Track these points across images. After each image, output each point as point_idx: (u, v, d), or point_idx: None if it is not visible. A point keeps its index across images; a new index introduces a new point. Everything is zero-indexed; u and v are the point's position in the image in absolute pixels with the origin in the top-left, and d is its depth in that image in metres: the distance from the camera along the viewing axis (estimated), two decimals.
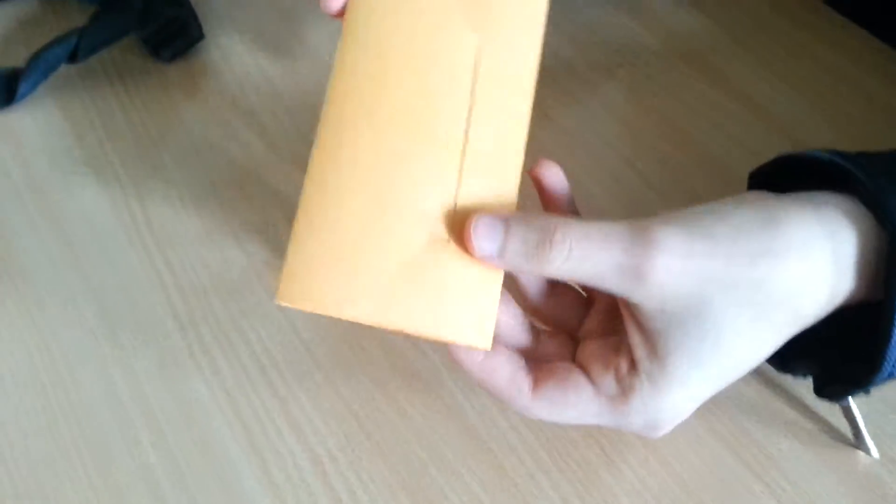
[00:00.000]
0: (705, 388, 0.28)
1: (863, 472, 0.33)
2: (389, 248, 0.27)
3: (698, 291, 0.26)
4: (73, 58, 0.44)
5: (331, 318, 0.27)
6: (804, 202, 0.28)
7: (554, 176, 0.31)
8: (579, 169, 0.42)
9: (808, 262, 0.27)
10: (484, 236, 0.27)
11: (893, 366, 0.27)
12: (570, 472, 0.32)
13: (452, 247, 0.27)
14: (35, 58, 0.44)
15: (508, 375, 0.29)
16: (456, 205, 0.28)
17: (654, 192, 0.42)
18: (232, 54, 0.48)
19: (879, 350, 0.27)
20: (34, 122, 0.44)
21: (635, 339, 0.28)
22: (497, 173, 0.29)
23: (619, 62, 0.47)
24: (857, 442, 0.34)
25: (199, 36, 0.47)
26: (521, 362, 0.29)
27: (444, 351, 0.35)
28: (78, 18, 0.48)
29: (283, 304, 0.27)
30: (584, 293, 0.32)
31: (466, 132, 0.29)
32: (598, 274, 0.26)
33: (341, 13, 0.30)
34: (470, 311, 0.27)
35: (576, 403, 0.28)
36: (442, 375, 0.35)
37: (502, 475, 0.32)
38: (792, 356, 0.30)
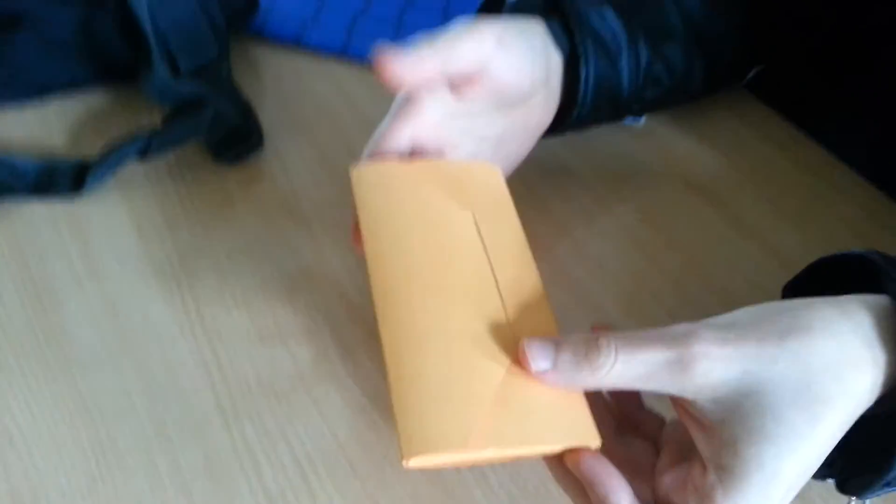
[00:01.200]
0: (782, 467, 0.29)
1: None
2: (478, 387, 0.30)
3: (742, 373, 0.28)
4: (143, 155, 0.47)
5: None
6: (825, 298, 0.31)
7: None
8: (591, 280, 0.45)
9: (837, 338, 0.29)
10: (538, 356, 0.30)
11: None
12: None
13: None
14: (107, 153, 0.47)
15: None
16: (514, 336, 0.31)
17: (665, 312, 0.44)
18: (288, 162, 0.51)
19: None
20: (99, 212, 0.47)
21: (700, 439, 0.29)
22: (531, 305, 0.33)
23: (629, 184, 0.51)
24: None
25: (259, 143, 0.50)
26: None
27: (475, 469, 0.37)
28: (146, 114, 0.51)
29: (412, 461, 0.29)
30: (654, 443, 0.34)
31: (496, 280, 0.34)
32: (647, 373, 0.29)
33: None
34: (567, 416, 0.30)
35: None
36: (474, 495, 0.37)
37: None
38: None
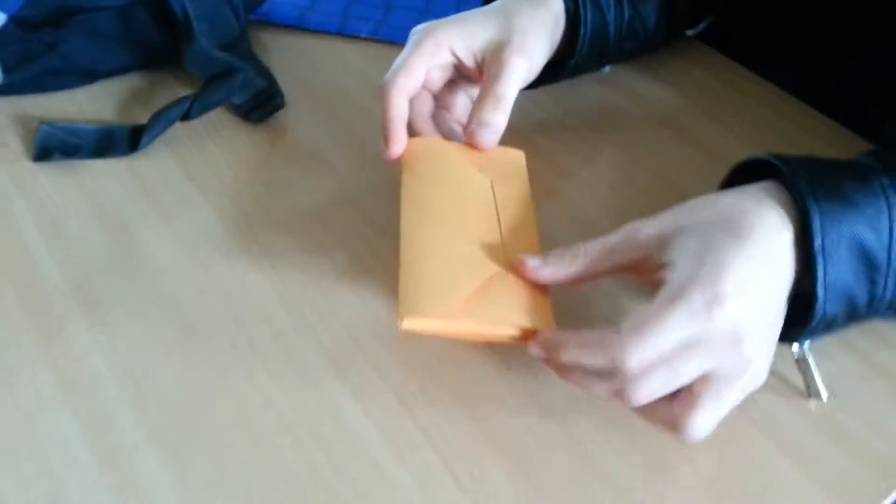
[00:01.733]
0: (722, 274, 0.37)
1: (817, 413, 0.44)
2: (466, 279, 0.42)
3: (675, 222, 0.40)
4: (185, 117, 0.56)
5: None
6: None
7: None
8: (584, 200, 0.55)
9: (746, 194, 0.41)
10: (532, 258, 0.42)
11: (825, 305, 0.40)
12: None
13: (510, 278, 0.42)
14: (157, 115, 0.56)
15: (595, 333, 0.38)
16: (506, 259, 0.43)
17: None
18: (306, 119, 0.60)
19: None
20: (152, 165, 0.56)
21: (656, 285, 0.39)
22: (525, 245, 0.45)
23: (609, 125, 0.61)
24: (809, 390, 0.45)
25: (282, 103, 0.60)
26: None
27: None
28: (180, 91, 0.60)
29: (405, 322, 0.40)
30: None
31: (500, 226, 0.45)
32: (608, 250, 0.41)
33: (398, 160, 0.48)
34: (532, 309, 0.41)
35: (658, 313, 0.36)
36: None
37: None
38: None
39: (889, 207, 0.40)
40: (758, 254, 0.38)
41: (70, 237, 0.51)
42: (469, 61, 0.51)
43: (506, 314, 0.41)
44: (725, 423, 0.39)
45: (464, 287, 0.41)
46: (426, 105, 0.52)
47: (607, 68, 0.65)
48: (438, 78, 0.52)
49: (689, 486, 0.41)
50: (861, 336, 0.47)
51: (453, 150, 0.49)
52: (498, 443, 0.41)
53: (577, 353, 0.38)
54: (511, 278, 0.42)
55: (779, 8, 0.68)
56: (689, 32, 0.74)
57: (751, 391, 0.39)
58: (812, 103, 0.64)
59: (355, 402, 0.43)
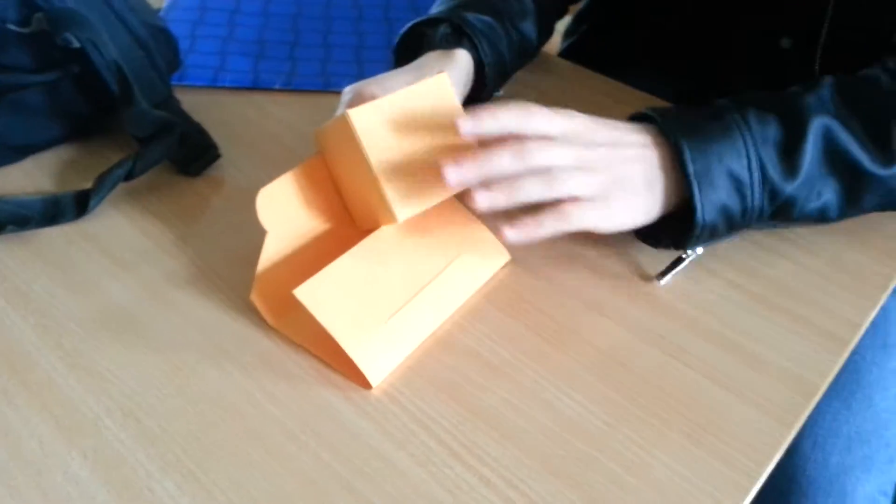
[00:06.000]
0: None
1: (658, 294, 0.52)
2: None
3: None
4: (128, 176, 0.59)
5: None
6: None
7: None
8: None
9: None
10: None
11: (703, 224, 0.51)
12: None
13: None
14: (101, 178, 0.58)
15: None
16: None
17: None
18: (240, 166, 0.64)
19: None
20: (102, 226, 0.58)
21: None
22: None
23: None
24: (658, 275, 0.56)
25: (217, 154, 0.63)
26: None
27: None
28: (117, 151, 0.63)
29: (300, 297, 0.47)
30: None
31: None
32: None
33: None
34: (383, 351, 0.49)
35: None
36: None
37: None
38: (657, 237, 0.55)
39: (742, 135, 0.52)
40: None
41: (39, 301, 0.52)
42: None
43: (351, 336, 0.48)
44: None
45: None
46: None
47: (500, 92, 0.73)
48: None
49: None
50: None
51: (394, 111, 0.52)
52: (482, 415, 0.47)
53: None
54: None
55: (632, 21, 0.80)
56: (555, 50, 0.85)
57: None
58: (674, 101, 0.75)
59: (348, 403, 0.47)
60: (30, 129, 0.61)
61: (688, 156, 0.50)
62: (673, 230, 0.54)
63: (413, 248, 0.53)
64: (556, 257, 0.57)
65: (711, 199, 0.51)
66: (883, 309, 0.60)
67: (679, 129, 0.52)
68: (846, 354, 0.53)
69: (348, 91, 0.57)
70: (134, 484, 0.42)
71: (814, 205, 0.54)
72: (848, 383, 0.70)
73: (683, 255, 0.56)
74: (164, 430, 0.45)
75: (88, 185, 0.59)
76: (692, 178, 0.51)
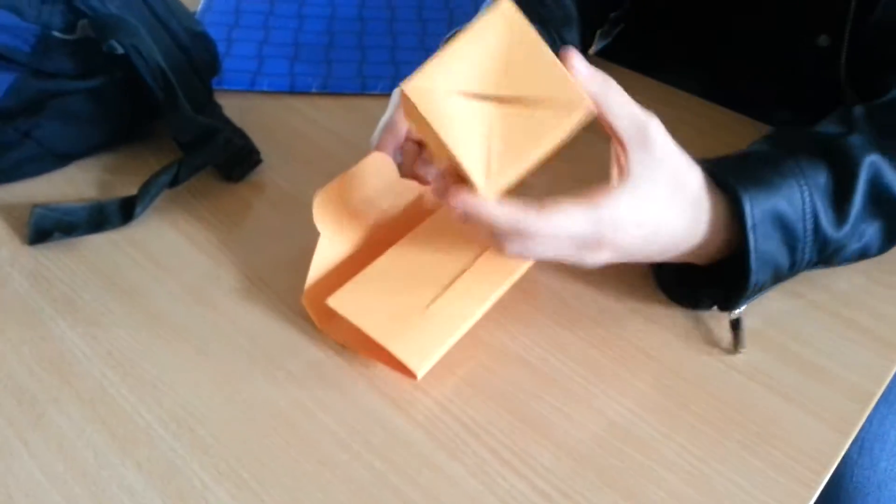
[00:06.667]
0: (641, 213, 0.45)
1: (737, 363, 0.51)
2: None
3: (671, 163, 0.46)
4: (173, 183, 0.59)
5: None
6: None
7: None
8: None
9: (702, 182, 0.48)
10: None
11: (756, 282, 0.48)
12: None
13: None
14: (146, 185, 0.58)
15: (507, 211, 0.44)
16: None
17: None
18: (281, 170, 0.64)
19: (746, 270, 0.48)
20: (146, 232, 0.58)
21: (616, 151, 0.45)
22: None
23: None
24: (733, 347, 0.51)
25: (259, 159, 0.63)
26: None
27: None
28: (160, 157, 0.63)
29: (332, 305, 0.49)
30: None
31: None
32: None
33: None
34: (424, 341, 0.48)
35: (565, 208, 0.43)
36: None
37: None
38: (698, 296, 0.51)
39: (799, 184, 0.49)
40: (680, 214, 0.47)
41: (87, 309, 0.52)
42: None
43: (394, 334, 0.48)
44: None
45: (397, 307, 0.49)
46: (411, 154, 0.57)
47: None
48: None
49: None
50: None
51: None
52: (531, 423, 0.46)
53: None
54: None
55: (668, 21, 0.79)
56: (591, 50, 0.84)
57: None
58: (707, 98, 0.74)
59: (399, 412, 0.47)
60: (74, 135, 0.61)
61: (748, 208, 0.47)
62: (713, 289, 0.51)
63: (443, 246, 0.53)
64: None
65: (764, 255, 0.48)
66: None
67: (733, 173, 0.48)
68: None
69: (399, 91, 0.57)
70: (189, 494, 0.42)
71: (855, 246, 0.52)
72: (894, 386, 0.69)
73: (732, 315, 0.52)
74: (217, 439, 0.45)
75: (132, 190, 0.59)
76: (750, 231, 0.47)
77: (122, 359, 0.49)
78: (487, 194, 0.43)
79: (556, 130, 0.43)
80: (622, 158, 0.46)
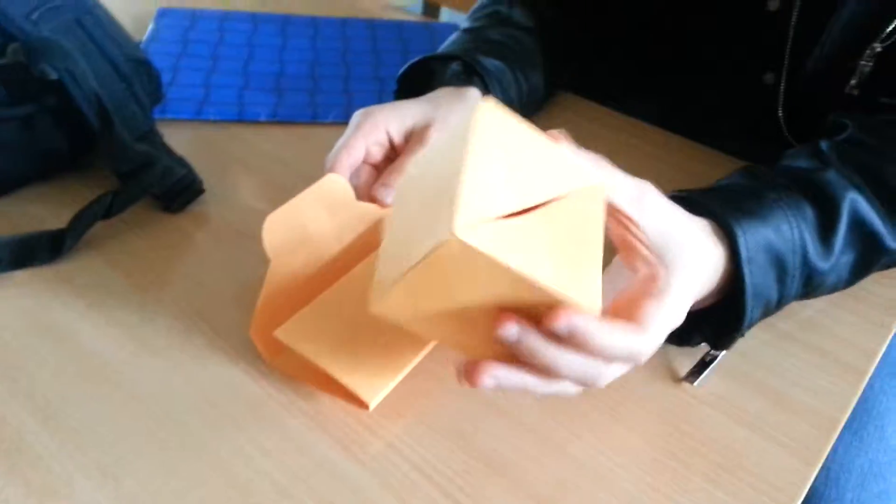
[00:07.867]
0: (689, 287, 0.42)
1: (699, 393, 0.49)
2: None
3: (676, 220, 0.42)
4: (107, 214, 0.56)
5: None
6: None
7: None
8: None
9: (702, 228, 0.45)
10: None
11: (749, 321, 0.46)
12: None
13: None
14: (77, 217, 0.55)
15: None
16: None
17: None
18: (225, 200, 0.61)
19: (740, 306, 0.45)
20: (78, 267, 0.54)
21: (641, 265, 0.41)
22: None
23: None
24: (690, 378, 0.49)
25: (201, 189, 0.60)
26: None
27: None
28: (95, 187, 0.59)
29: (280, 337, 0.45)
30: None
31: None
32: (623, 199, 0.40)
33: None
34: (376, 370, 0.46)
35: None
36: None
37: None
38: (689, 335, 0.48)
39: (787, 218, 0.47)
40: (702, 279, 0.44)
41: (7, 349, 0.48)
42: (399, 139, 0.57)
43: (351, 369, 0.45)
44: None
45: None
46: (364, 177, 0.56)
47: None
48: (377, 153, 0.57)
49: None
50: None
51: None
52: (486, 462, 0.44)
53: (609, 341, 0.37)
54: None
55: (629, 52, 0.79)
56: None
57: None
58: (665, 127, 0.74)
59: (346, 454, 0.44)
60: (2, 166, 0.58)
61: (742, 240, 0.45)
62: (703, 328, 0.48)
63: None
64: None
65: (757, 287, 0.46)
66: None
67: (719, 205, 0.46)
68: (863, 385, 0.51)
69: (360, 114, 0.57)
70: None
71: (833, 279, 0.51)
72: (858, 413, 0.68)
73: (712, 353, 0.51)
74: (146, 490, 0.41)
75: (64, 224, 0.55)
76: (745, 265, 0.45)
77: (43, 403, 0.45)
78: (593, 310, 0.36)
79: (596, 219, 0.38)
80: (631, 228, 0.41)
